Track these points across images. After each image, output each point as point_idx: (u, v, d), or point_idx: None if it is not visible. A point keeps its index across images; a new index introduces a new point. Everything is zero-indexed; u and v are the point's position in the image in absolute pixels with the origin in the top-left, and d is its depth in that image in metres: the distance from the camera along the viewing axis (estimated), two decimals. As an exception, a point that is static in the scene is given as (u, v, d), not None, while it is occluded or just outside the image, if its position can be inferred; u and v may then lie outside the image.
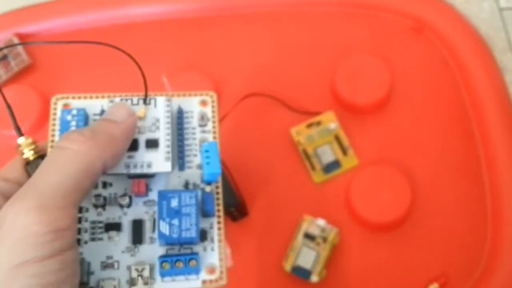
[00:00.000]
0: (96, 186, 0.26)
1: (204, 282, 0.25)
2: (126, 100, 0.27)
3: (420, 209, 0.45)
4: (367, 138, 0.48)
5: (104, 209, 0.26)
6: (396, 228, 0.45)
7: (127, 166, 0.25)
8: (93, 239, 0.26)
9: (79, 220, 0.26)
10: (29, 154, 0.27)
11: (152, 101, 0.27)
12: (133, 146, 0.26)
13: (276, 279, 0.44)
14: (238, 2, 0.54)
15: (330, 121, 0.47)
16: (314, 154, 0.47)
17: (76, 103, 0.28)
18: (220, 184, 0.27)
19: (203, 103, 0.28)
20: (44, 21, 0.55)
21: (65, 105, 0.28)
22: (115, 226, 0.26)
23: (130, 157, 0.26)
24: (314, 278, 0.42)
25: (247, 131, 0.49)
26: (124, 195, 0.26)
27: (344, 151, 0.47)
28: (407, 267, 0.44)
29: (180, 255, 0.25)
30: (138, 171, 0.25)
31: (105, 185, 0.27)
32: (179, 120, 0.28)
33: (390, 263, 0.44)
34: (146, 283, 0.25)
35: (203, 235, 0.26)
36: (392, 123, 0.48)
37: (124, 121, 0.26)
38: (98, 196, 0.26)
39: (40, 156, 0.27)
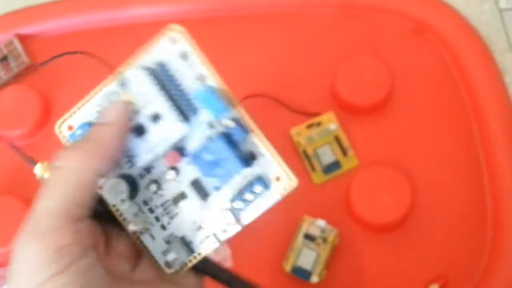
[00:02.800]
0: (142, 176, 0.27)
1: (280, 192, 0.26)
2: (110, 95, 0.27)
3: (420, 210, 0.45)
4: (367, 139, 0.48)
5: (161, 189, 0.27)
6: (396, 229, 0.45)
7: (150, 150, 0.26)
8: (171, 217, 0.27)
9: (151, 211, 0.27)
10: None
11: (128, 80, 0.26)
12: (141, 130, 0.26)
13: (276, 279, 0.44)
14: (238, 4, 0.54)
15: (330, 122, 0.47)
16: (314, 155, 0.47)
17: (77, 119, 0.27)
18: (238, 104, 0.26)
19: (173, 41, 0.27)
20: (45, 22, 0.55)
21: (69, 127, 0.27)
22: (180, 197, 0.27)
23: (146, 141, 0.26)
24: (314, 279, 0.42)
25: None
26: (168, 170, 0.27)
27: (344, 152, 0.47)
28: (407, 268, 0.44)
29: (246, 189, 0.26)
30: (162, 148, 0.26)
31: (148, 170, 0.27)
32: (164, 73, 0.26)
33: (390, 264, 0.44)
34: (237, 224, 0.27)
35: (252, 156, 0.26)
36: (392, 124, 0.48)
37: (116, 122, 0.26)
38: (149, 184, 0.27)
39: None
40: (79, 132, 0.27)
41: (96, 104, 0.27)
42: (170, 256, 0.27)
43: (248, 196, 0.26)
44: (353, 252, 0.44)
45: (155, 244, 0.27)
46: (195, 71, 0.26)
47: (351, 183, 0.45)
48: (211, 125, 0.26)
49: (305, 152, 0.47)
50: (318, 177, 0.46)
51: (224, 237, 0.27)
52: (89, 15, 0.56)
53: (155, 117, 0.26)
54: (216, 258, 0.43)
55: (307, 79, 0.50)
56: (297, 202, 0.46)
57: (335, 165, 0.46)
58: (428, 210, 0.45)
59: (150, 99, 0.26)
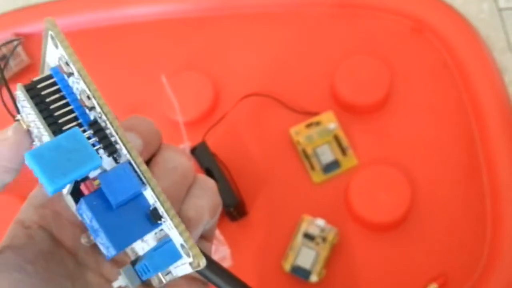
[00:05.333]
0: None
1: (190, 264, 0.20)
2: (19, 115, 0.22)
3: (419, 209, 0.45)
4: (366, 138, 0.48)
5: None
6: (396, 228, 0.45)
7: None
8: None
9: None
10: None
11: (20, 103, 0.21)
12: None
13: (276, 279, 0.44)
14: (238, 2, 0.54)
15: (330, 121, 0.47)
16: (314, 154, 0.47)
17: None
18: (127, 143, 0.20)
19: (55, 43, 0.20)
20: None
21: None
22: None
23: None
24: (314, 278, 0.42)
25: (247, 131, 0.49)
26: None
27: (344, 151, 0.47)
28: (407, 267, 0.44)
29: (139, 261, 0.20)
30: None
31: None
32: (63, 83, 0.20)
33: (389, 263, 0.44)
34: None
35: (155, 215, 0.20)
36: (392, 123, 0.48)
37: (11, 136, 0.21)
38: None
39: None
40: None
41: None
42: (117, 284, 0.21)
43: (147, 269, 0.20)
44: (352, 251, 0.45)
45: None
46: (80, 85, 0.20)
47: (350, 182, 0.45)
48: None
49: (304, 152, 0.47)
50: (317, 177, 0.46)
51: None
52: (89, 14, 0.56)
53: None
54: (215, 257, 0.43)
55: (307, 78, 0.50)
56: (296, 201, 0.46)
57: (334, 165, 0.46)
58: (427, 209, 0.45)
59: (38, 127, 0.20)
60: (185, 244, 0.19)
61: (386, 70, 0.48)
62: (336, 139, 0.47)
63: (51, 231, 0.24)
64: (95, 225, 0.19)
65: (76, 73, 0.20)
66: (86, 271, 0.24)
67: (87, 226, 0.20)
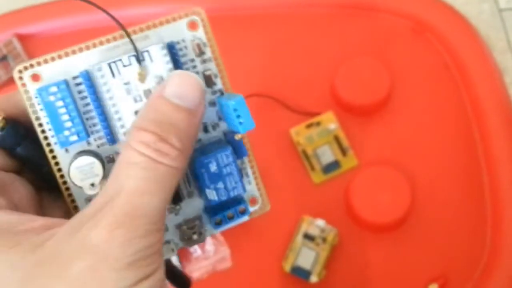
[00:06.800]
0: (110, 160, 0.24)
1: (250, 214, 0.25)
2: (114, 62, 0.23)
3: (419, 210, 0.45)
4: (366, 139, 0.48)
5: None
6: (396, 229, 0.45)
7: None
8: None
9: None
10: None
11: (146, 55, 0.23)
12: None
13: (276, 279, 0.44)
14: (238, 3, 0.54)
15: (330, 121, 0.47)
16: (314, 155, 0.47)
17: (50, 70, 0.23)
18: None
19: (192, 25, 0.24)
20: (44, 22, 0.55)
21: (34, 76, 0.23)
22: None
23: None
24: (314, 279, 0.42)
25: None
26: None
27: (344, 152, 0.47)
28: (407, 268, 0.44)
29: (229, 207, 0.24)
30: None
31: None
32: (173, 58, 0.24)
33: (389, 264, 0.44)
34: (200, 235, 0.24)
35: (244, 173, 0.25)
36: (392, 124, 0.48)
37: (199, 108, 0.22)
38: None
39: (10, 121, 0.23)
40: (53, 90, 0.22)
41: (87, 60, 0.24)
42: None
43: (230, 214, 0.24)
44: (352, 252, 0.45)
45: None
46: (204, 66, 0.24)
47: (350, 183, 0.45)
48: (213, 128, 0.24)
49: (304, 152, 0.47)
50: (317, 177, 0.46)
51: (180, 246, 0.24)
52: (88, 15, 0.56)
53: None
54: (215, 258, 0.43)
55: (307, 79, 0.50)
56: (296, 202, 0.46)
57: (334, 165, 0.46)
58: (428, 210, 0.45)
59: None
60: (262, 194, 0.26)
61: (386, 71, 0.48)
62: (336, 139, 0.47)
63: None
64: (230, 170, 0.24)
65: (211, 55, 0.24)
66: None
67: (201, 176, 0.23)
